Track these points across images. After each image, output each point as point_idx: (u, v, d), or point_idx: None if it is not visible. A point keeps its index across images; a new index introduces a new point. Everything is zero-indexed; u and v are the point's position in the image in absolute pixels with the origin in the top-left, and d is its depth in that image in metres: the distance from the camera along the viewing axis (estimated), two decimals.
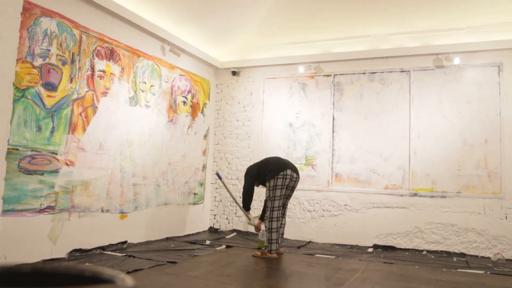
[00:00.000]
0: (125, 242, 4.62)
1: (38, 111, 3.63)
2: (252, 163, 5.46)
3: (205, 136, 6.27)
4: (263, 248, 4.42)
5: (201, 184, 6.17)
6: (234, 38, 6.06)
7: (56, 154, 3.81)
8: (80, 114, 4.08)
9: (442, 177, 5.15)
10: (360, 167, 5.56)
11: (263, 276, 3.65)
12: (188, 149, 5.86)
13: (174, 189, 5.55)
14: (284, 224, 4.62)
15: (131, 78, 4.77)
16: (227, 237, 5.68)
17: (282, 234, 4.63)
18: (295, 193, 5.83)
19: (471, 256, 4.87)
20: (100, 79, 4.33)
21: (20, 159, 3.47)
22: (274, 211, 4.33)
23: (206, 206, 6.31)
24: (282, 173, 4.35)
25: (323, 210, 5.67)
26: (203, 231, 6.18)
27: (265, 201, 4.55)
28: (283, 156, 5.62)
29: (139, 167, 4.90)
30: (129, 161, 4.74)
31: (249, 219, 4.81)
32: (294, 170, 4.50)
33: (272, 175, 4.37)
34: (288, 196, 4.58)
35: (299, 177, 4.56)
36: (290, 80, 6.11)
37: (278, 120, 6.08)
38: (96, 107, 4.27)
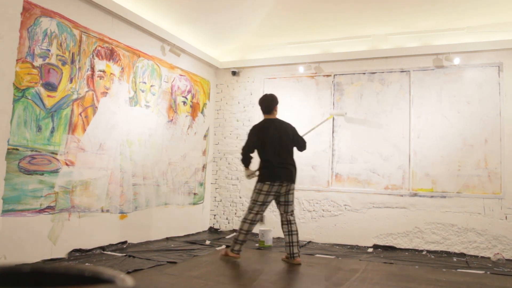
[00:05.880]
0: (125, 242, 4.62)
1: (38, 111, 3.63)
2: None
3: (205, 136, 6.27)
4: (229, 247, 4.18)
5: (201, 184, 6.17)
6: (234, 38, 6.06)
7: (56, 154, 3.81)
8: (80, 114, 4.08)
9: (442, 177, 5.15)
10: (360, 167, 5.55)
11: (263, 276, 3.65)
12: (188, 149, 5.86)
13: (174, 189, 5.55)
14: (295, 231, 4.13)
15: (131, 78, 4.77)
16: (227, 237, 5.67)
17: (295, 242, 4.11)
18: (294, 193, 5.82)
19: (471, 256, 4.87)
20: (100, 79, 4.33)
21: (20, 159, 3.47)
22: (251, 213, 4.08)
23: (206, 206, 6.31)
24: (268, 182, 4.06)
25: (323, 210, 5.67)
26: (203, 231, 6.18)
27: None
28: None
29: (139, 167, 4.90)
30: (129, 161, 4.74)
31: (248, 173, 4.41)
32: (287, 178, 4.11)
33: (260, 178, 4.11)
34: (286, 203, 4.19)
35: (293, 182, 4.18)
36: (290, 80, 6.11)
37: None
38: (96, 107, 4.27)
